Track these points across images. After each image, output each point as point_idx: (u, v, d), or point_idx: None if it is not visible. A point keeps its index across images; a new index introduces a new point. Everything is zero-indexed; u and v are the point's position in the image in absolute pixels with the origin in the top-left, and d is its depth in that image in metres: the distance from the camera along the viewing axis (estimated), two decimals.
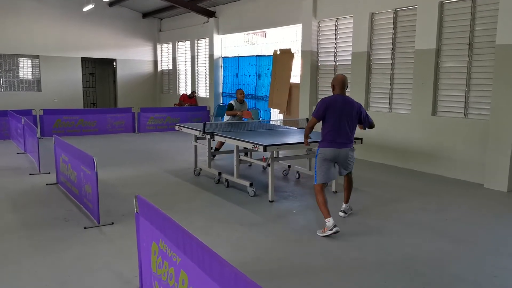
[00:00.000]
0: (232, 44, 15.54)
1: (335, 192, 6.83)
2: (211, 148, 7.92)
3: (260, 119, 12.96)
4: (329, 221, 4.93)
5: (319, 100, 11.08)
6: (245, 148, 6.86)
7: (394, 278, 3.97)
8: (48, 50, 17.43)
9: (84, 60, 18.79)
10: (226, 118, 9.10)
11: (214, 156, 9.19)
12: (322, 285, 3.84)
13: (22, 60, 17.42)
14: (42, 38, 17.20)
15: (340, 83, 5.23)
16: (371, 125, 5.52)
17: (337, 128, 5.15)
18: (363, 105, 9.70)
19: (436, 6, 8.16)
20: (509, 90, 7.00)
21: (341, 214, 5.64)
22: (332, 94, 5.35)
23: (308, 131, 5.37)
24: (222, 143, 8.48)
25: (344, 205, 5.70)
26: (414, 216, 5.82)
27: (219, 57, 15.72)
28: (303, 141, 6.82)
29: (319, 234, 5.00)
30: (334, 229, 4.88)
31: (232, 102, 9.05)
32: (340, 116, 5.15)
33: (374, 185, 7.44)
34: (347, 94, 5.40)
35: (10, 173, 8.07)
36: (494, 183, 7.24)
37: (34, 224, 5.30)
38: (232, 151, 8.90)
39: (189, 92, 17.20)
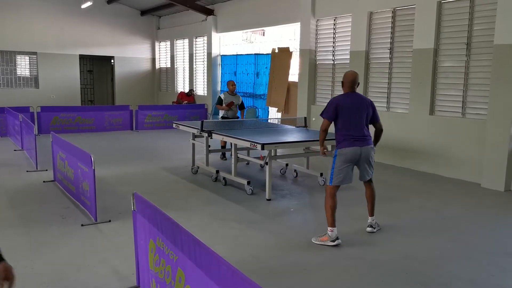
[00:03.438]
0: (231, 42, 15.52)
1: None
2: (209, 146, 7.91)
3: (258, 117, 12.96)
4: (333, 232, 4.64)
5: (317, 98, 11.17)
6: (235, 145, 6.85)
7: (391, 277, 3.98)
8: (46, 47, 17.38)
9: (82, 57, 18.74)
10: (221, 113, 9.18)
11: (224, 154, 9.20)
12: (319, 283, 3.84)
13: (19, 57, 17.36)
14: (40, 35, 17.15)
15: (349, 81, 4.90)
16: (380, 127, 5.07)
17: (353, 126, 4.82)
18: None
19: (434, 5, 8.17)
20: (507, 90, 7.02)
21: (368, 229, 5.07)
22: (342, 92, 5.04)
23: (323, 134, 4.91)
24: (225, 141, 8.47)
25: (370, 219, 5.12)
26: (411, 215, 5.83)
27: (217, 55, 15.70)
28: (302, 139, 6.88)
29: (314, 242, 4.69)
30: (336, 242, 4.61)
31: (221, 95, 9.09)
32: (353, 114, 4.83)
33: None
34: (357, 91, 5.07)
35: (7, 170, 8.05)
36: (491, 183, 7.26)
37: (31, 221, 5.29)
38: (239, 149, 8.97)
39: (187, 90, 17.17)
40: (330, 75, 10.78)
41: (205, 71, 16.32)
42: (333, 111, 4.82)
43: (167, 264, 2.85)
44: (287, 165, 8.12)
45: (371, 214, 5.15)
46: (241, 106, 9.32)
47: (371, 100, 5.10)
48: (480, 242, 4.89)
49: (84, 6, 15.58)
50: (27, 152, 9.26)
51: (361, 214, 5.73)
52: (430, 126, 8.40)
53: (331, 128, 4.89)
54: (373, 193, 5.14)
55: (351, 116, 4.83)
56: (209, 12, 15.49)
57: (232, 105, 9.02)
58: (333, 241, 4.62)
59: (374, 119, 5.01)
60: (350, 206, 6.07)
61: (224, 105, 9.03)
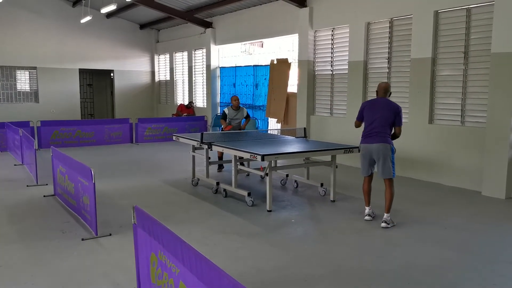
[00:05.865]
0: (229, 54, 15.60)
1: (333, 201, 6.84)
2: (209, 158, 7.91)
3: (258, 128, 12.98)
4: (365, 211, 5.86)
5: (316, 109, 11.21)
6: (240, 157, 6.87)
7: (392, 287, 3.96)
8: (46, 62, 17.47)
9: (82, 71, 18.84)
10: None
11: (221, 166, 9.26)
12: None
13: (19, 72, 17.44)
14: (40, 50, 17.25)
15: (381, 90, 5.85)
16: (397, 132, 5.82)
17: (370, 123, 5.69)
18: None
19: (431, 15, 8.23)
20: (505, 98, 7.04)
21: (382, 225, 5.58)
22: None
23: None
24: (222, 152, 8.51)
25: (385, 215, 5.66)
26: (412, 224, 5.81)
27: (216, 67, 15.78)
28: (302, 150, 6.96)
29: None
30: (365, 218, 5.83)
31: (225, 109, 9.14)
32: (373, 114, 5.68)
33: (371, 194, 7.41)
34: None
35: (7, 185, 8.04)
36: (492, 191, 7.25)
37: (31, 236, 5.26)
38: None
39: (186, 102, 17.23)
40: (329, 85, 10.82)
41: (204, 83, 16.38)
42: (360, 112, 5.90)
43: (169, 277, 2.84)
44: (287, 176, 8.12)
45: (387, 211, 5.64)
46: (246, 117, 9.39)
47: (399, 106, 5.80)
48: (481, 251, 4.87)
49: (83, 20, 15.69)
50: (27, 166, 9.26)
51: (362, 225, 5.71)
52: (430, 135, 8.41)
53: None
54: (391, 193, 5.72)
55: (371, 116, 5.70)
56: (207, 25, 15.60)
57: (235, 123, 9.13)
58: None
59: (395, 123, 5.75)
60: (350, 217, 6.05)
61: (227, 120, 9.11)
